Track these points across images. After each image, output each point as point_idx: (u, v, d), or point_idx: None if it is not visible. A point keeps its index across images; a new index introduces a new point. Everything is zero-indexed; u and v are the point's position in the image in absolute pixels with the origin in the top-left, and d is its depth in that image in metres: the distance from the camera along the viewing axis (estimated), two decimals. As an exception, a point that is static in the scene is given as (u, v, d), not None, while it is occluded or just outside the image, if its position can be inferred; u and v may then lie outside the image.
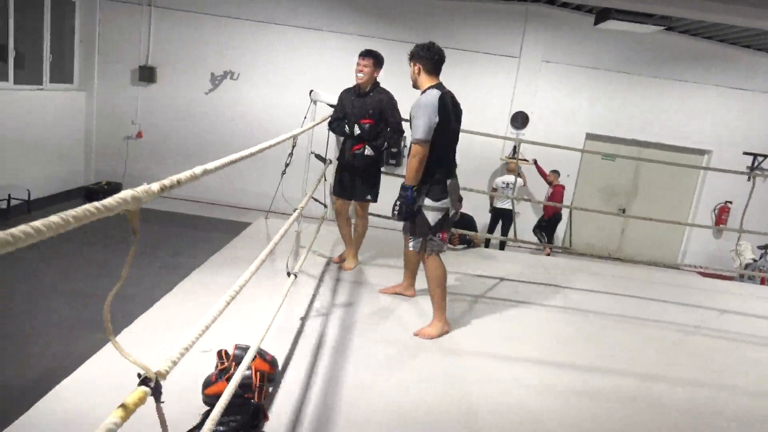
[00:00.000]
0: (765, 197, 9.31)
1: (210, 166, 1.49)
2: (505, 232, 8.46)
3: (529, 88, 9.23)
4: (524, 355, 3.35)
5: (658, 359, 3.60)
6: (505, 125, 9.27)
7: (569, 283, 4.90)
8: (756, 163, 9.38)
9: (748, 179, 9.27)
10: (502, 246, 8.32)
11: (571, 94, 9.34)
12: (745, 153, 9.38)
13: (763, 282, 7.83)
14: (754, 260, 8.68)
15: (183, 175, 1.32)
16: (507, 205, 8.36)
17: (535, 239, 8.96)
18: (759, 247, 8.87)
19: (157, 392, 1.17)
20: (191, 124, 9.23)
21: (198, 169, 1.41)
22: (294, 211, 3.23)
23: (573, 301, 4.45)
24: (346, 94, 4.15)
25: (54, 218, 0.81)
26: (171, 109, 9.20)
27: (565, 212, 9.30)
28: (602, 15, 7.04)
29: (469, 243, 5.75)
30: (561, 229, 9.54)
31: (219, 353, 2.46)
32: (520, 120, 9.19)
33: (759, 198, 9.29)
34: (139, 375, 1.17)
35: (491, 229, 8.59)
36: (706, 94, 9.34)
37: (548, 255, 7.93)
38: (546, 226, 8.95)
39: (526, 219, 9.26)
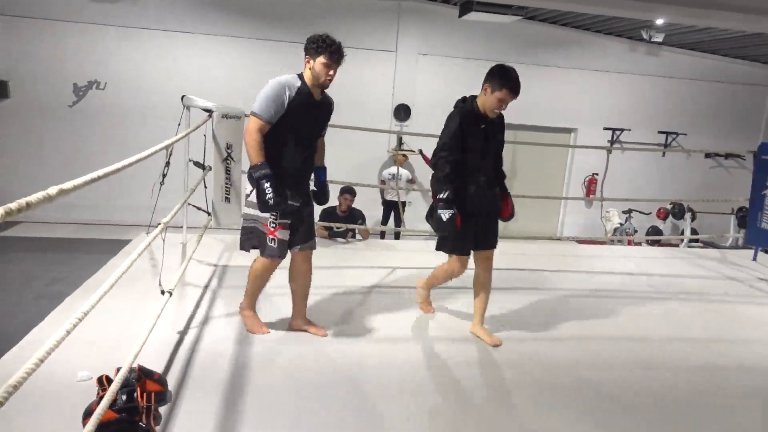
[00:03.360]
0: (625, 166, 10.31)
1: (68, 185, 1.38)
2: (397, 223, 8.67)
3: (409, 80, 9.50)
4: (403, 335, 3.48)
5: (543, 323, 3.88)
6: (388, 118, 9.48)
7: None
8: (614, 137, 10.33)
9: (610, 152, 10.26)
10: (397, 236, 8.53)
11: (449, 85, 9.72)
12: (606, 128, 10.31)
13: (630, 243, 8.67)
14: (621, 224, 9.59)
15: (34, 197, 1.23)
16: (396, 197, 8.57)
17: (428, 227, 9.26)
18: (623, 212, 9.82)
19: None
20: (56, 139, 8.52)
21: (52, 190, 1.31)
22: (158, 224, 3.06)
23: (460, 281, 4.66)
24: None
25: None
26: (29, 124, 8.43)
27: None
28: (465, 7, 7.40)
29: (345, 235, 5.85)
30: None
31: (99, 379, 2.32)
32: (402, 112, 9.44)
33: (621, 167, 10.31)
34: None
35: (385, 221, 8.76)
36: (568, 76, 10.12)
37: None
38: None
39: (419, 208, 9.55)
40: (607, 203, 9.77)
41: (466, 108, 3.27)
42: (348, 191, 5.96)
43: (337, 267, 4.80)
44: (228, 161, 4.41)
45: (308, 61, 3.00)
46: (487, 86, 3.19)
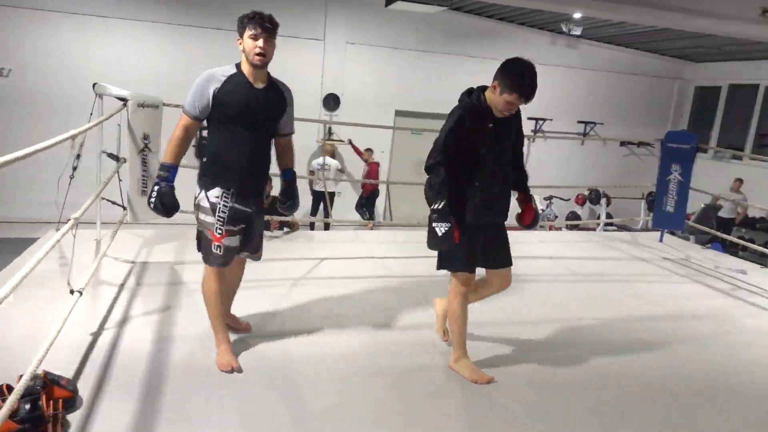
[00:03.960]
0: (548, 155, 10.72)
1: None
2: (327, 213, 8.64)
3: (337, 69, 9.44)
4: (330, 327, 3.48)
5: (477, 313, 3.97)
6: (318, 108, 9.39)
7: (388, 253, 5.17)
8: (538, 127, 10.72)
9: (533, 141, 10.62)
10: (327, 227, 8.49)
11: (378, 74, 9.75)
12: (530, 118, 10.67)
13: (551, 228, 9.05)
14: (543, 210, 9.99)
15: None
16: (325, 187, 8.52)
17: (358, 217, 9.29)
18: (545, 199, 10.23)
19: None
20: (-45, 131, 7.87)
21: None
22: (68, 220, 2.90)
23: (391, 271, 4.72)
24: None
25: None
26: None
27: (382, 187, 9.76)
28: (391, -3, 7.42)
29: (291, 227, 5.77)
30: (381, 204, 10.01)
31: (-1, 388, 2.17)
32: (331, 102, 9.38)
33: (543, 156, 10.72)
34: None
35: (314, 212, 8.70)
36: (493, 67, 10.25)
37: (371, 230, 8.28)
38: (366, 203, 9.33)
39: (348, 198, 9.54)
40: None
41: (470, 103, 2.74)
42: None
43: (263, 259, 4.71)
44: (145, 152, 4.22)
45: (240, 44, 2.70)
46: (496, 84, 2.66)
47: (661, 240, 6.45)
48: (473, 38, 10.14)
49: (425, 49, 9.93)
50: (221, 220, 2.75)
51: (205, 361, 2.87)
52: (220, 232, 2.76)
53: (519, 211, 3.14)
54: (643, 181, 9.09)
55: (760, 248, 5.90)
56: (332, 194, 8.26)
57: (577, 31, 9.42)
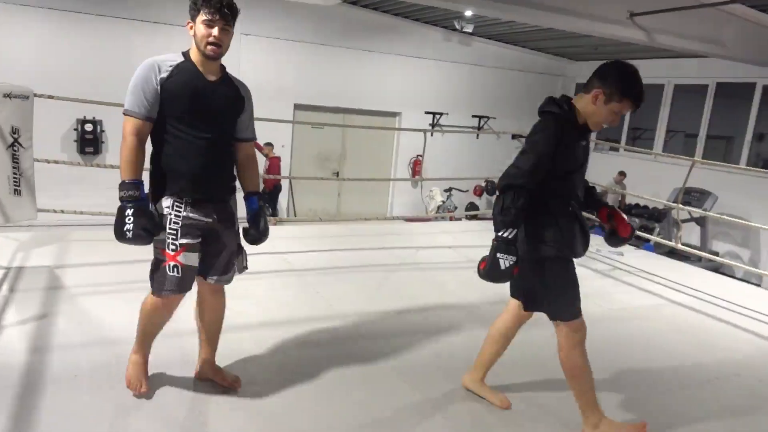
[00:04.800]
0: (446, 148, 11.08)
1: None
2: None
3: (233, 62, 9.12)
4: (251, 322, 3.40)
5: (367, 298, 4.03)
6: (213, 101, 9.05)
7: (291, 248, 5.11)
8: (435, 121, 11.03)
9: (431, 135, 10.94)
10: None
11: (276, 67, 9.56)
12: (427, 112, 10.96)
13: (451, 219, 9.38)
14: (443, 202, 10.33)
15: None
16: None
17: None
18: (445, 191, 10.58)
19: None
20: None
21: None
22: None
23: (294, 265, 4.66)
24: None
25: None
26: None
27: (285, 182, 9.61)
28: (287, -12, 7.29)
29: None
30: (284, 199, 9.87)
31: None
32: (227, 95, 9.08)
33: (441, 149, 11.06)
34: None
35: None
36: (391, 62, 10.54)
37: (275, 225, 8.13)
38: (269, 199, 9.14)
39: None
40: (430, 183, 10.45)
41: (564, 116, 2.32)
42: None
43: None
44: (15, 147, 3.86)
45: (190, 28, 2.30)
46: (598, 92, 2.27)
47: (548, 226, 6.88)
48: (371, 33, 10.23)
49: (324, 43, 9.87)
50: (173, 233, 2.29)
51: (85, 373, 2.68)
52: (174, 248, 2.28)
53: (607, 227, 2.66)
54: (533, 171, 9.67)
55: (638, 232, 6.48)
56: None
57: (469, 29, 9.79)
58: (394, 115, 10.93)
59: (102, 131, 8.22)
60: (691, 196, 8.96)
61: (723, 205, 8.90)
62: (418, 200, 10.91)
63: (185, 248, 2.30)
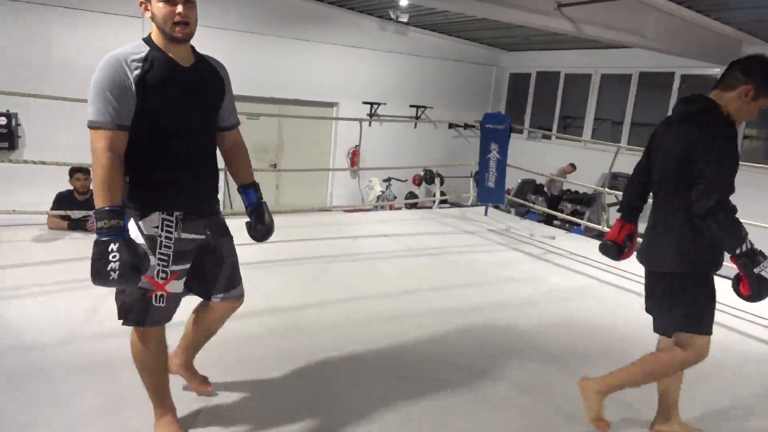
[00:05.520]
0: (384, 138, 11.09)
1: None
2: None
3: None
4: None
5: (305, 290, 3.98)
6: (140, 92, 8.66)
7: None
8: (372, 110, 11.02)
9: (369, 125, 10.93)
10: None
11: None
12: (364, 102, 10.92)
13: (391, 208, 9.42)
14: (383, 192, 10.36)
15: None
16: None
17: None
18: (384, 180, 10.61)
19: None
20: None
21: None
22: None
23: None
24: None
25: None
26: None
27: (221, 175, 9.34)
28: (216, -26, 7.05)
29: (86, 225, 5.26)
30: (220, 192, 9.60)
31: None
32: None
33: (379, 139, 11.07)
34: None
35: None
36: (326, 51, 10.41)
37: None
38: (126, 188, 8.81)
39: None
40: (369, 173, 10.45)
41: (724, 118, 2.18)
42: (79, 170, 5.23)
43: (77, 259, 4.26)
44: None
45: (145, 9, 1.93)
46: (748, 87, 2.15)
47: (486, 214, 7.04)
48: (305, 22, 10.06)
49: (256, 31, 9.61)
50: (165, 258, 1.97)
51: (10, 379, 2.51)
52: (165, 276, 1.98)
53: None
54: (470, 160, 9.84)
55: (569, 217, 6.72)
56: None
57: (405, 18, 9.79)
58: (331, 105, 10.82)
59: (18, 125, 7.71)
60: (618, 180, 9.37)
61: (647, 189, 9.36)
62: (358, 190, 10.88)
63: (175, 276, 2.01)
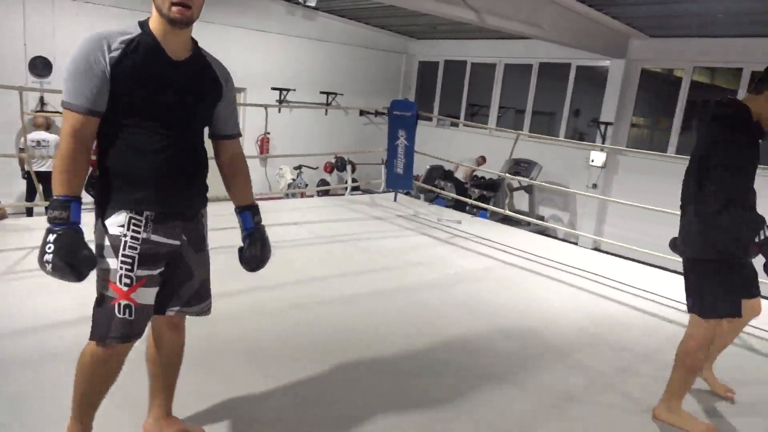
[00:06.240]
0: (294, 125, 10.92)
1: None
2: (48, 197, 7.47)
3: (45, 29, 8.08)
4: (68, 318, 3.07)
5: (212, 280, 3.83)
6: (23, 74, 7.95)
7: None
8: (282, 97, 10.80)
9: (279, 111, 10.70)
10: (29, 212, 7.34)
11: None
12: (273, 88, 10.68)
13: (302, 196, 9.31)
14: (293, 179, 10.21)
15: None
16: (47, 167, 7.33)
17: (90, 199, 8.25)
18: (295, 168, 10.47)
19: None
20: None
21: None
22: None
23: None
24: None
25: None
26: None
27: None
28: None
29: None
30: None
31: None
32: (40, 66, 8.02)
33: (289, 126, 10.88)
34: None
35: (31, 196, 7.44)
36: (233, 35, 10.04)
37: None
38: (96, 183, 8.31)
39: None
40: (279, 160, 10.26)
41: (744, 122, 2.31)
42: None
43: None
44: None
45: None
46: None
47: (395, 200, 7.13)
48: (210, 3, 9.47)
49: (146, 10, 9.10)
50: (128, 261, 1.75)
51: None
52: (129, 282, 1.75)
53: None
54: (381, 147, 9.91)
55: (475, 201, 6.94)
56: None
57: (312, 2, 9.64)
58: (238, 91, 10.47)
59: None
60: (521, 166, 9.83)
61: (547, 174, 9.90)
62: (266, 178, 10.66)
63: (143, 282, 1.77)
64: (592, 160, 9.61)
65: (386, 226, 5.91)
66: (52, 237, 1.62)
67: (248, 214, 2.11)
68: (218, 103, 1.95)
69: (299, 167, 10.50)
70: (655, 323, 3.89)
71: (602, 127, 9.65)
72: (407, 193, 7.75)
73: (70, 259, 1.62)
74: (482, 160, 10.29)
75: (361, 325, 3.42)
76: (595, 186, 9.68)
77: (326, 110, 11.39)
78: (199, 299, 2.03)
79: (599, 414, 2.68)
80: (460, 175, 10.28)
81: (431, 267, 4.71)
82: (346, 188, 10.27)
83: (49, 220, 1.65)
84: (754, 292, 2.60)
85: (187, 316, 2.08)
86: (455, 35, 11.51)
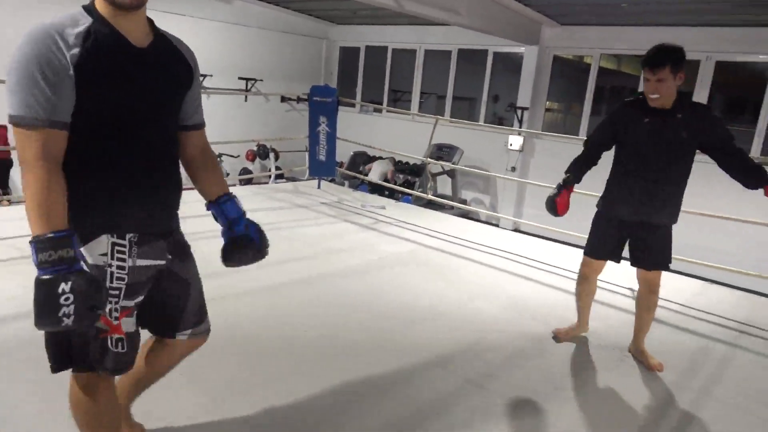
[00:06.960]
0: (212, 111, 10.47)
1: None
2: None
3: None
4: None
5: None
6: None
7: (23, 232, 4.36)
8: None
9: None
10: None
11: (20, 23, 7.90)
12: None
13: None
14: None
15: None
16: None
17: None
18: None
19: None
20: None
21: None
22: None
23: (26, 252, 3.99)
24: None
25: None
26: None
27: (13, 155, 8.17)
28: None
29: None
30: (18, 174, 8.40)
31: None
32: None
33: (208, 113, 10.43)
34: None
35: None
36: (167, 22, 9.49)
37: (8, 206, 6.89)
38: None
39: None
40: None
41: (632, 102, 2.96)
42: None
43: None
44: None
45: None
46: None
47: (318, 187, 7.06)
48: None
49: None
50: (115, 294, 1.54)
51: None
52: (117, 313, 1.56)
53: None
54: (304, 134, 9.76)
55: (398, 187, 6.98)
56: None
57: (228, -15, 9.31)
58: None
59: None
60: (443, 151, 10.00)
61: (468, 158, 10.13)
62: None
63: (127, 312, 1.58)
64: (511, 144, 9.93)
65: (310, 214, 5.84)
66: (66, 286, 1.30)
67: (231, 203, 1.88)
68: (189, 89, 1.71)
69: (219, 156, 10.14)
70: (568, 298, 4.09)
71: (519, 112, 9.97)
72: (332, 180, 7.69)
73: (95, 301, 1.35)
74: (392, 173, 9.93)
75: (284, 314, 3.36)
76: (513, 169, 10.01)
77: (246, 96, 11.07)
78: (203, 314, 1.89)
79: (517, 389, 2.78)
80: (374, 176, 9.69)
81: (355, 253, 4.70)
82: (270, 176, 10.05)
83: (46, 264, 1.32)
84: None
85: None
86: (376, 21, 11.48)
